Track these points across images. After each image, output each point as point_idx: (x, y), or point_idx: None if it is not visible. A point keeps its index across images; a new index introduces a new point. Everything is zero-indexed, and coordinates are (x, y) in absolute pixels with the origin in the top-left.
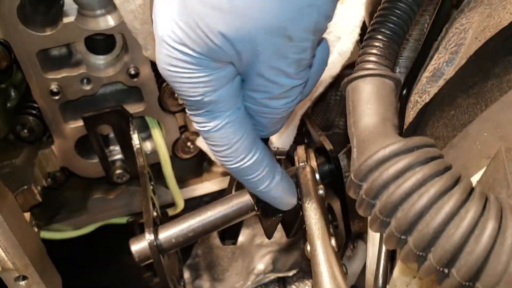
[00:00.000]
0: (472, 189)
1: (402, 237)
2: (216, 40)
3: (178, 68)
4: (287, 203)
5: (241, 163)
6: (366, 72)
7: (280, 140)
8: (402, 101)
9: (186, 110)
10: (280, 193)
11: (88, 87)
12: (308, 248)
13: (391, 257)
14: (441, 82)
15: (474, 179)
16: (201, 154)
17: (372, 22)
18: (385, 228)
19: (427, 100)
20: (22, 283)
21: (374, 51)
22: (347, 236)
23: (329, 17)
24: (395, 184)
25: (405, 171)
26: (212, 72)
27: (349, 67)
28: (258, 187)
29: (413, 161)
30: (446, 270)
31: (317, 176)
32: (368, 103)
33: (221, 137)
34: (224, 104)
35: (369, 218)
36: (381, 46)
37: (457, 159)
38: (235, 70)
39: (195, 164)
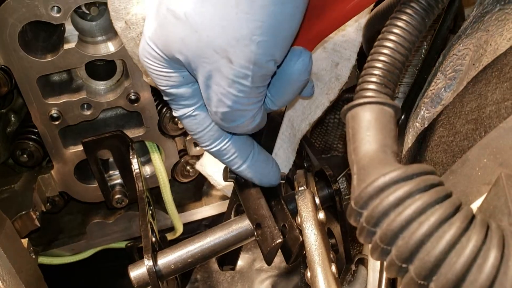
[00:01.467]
0: (473, 217)
1: (403, 265)
2: (173, 44)
3: (149, 60)
4: (265, 183)
5: (208, 148)
6: (365, 100)
7: (279, 164)
8: (400, 126)
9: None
10: (252, 175)
11: (88, 112)
12: (309, 274)
13: (392, 284)
14: (439, 108)
15: (475, 205)
16: (201, 178)
17: (371, 51)
18: (386, 256)
19: (425, 126)
20: None
21: (374, 79)
22: (347, 260)
23: (273, 58)
24: (395, 212)
25: (405, 198)
26: (174, 70)
27: (348, 90)
28: (231, 167)
29: (413, 189)
30: None
31: (317, 200)
32: (368, 130)
33: (185, 124)
34: (185, 100)
35: (369, 246)
36: (381, 74)
37: (457, 185)
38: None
39: (194, 188)
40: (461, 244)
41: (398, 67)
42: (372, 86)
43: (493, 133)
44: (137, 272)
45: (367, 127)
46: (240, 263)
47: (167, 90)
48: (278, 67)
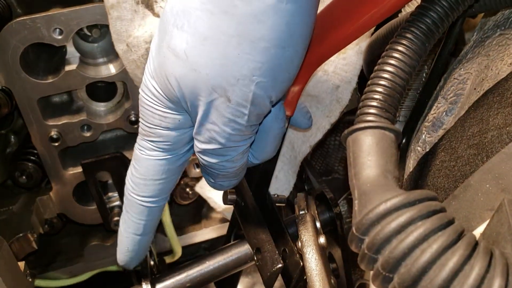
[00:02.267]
0: (476, 244)
1: None
2: (172, 81)
3: (148, 97)
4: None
5: (140, 199)
6: (366, 124)
7: (279, 187)
8: (401, 150)
9: (139, 132)
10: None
11: (88, 134)
12: None
13: None
14: (440, 132)
15: (477, 232)
16: (200, 200)
17: (372, 75)
18: (388, 283)
19: (427, 150)
20: None
21: (374, 103)
22: (349, 286)
23: (270, 98)
24: (397, 238)
25: (407, 225)
26: (170, 111)
27: (349, 113)
28: (131, 230)
29: (415, 215)
30: None
31: (318, 224)
32: (369, 155)
33: (144, 166)
34: (170, 145)
35: (371, 273)
36: (381, 98)
37: (460, 210)
38: (189, 120)
39: (194, 211)
40: (464, 272)
41: (398, 91)
42: (372, 111)
43: (495, 159)
44: None
45: (368, 152)
46: (240, 287)
47: (157, 130)
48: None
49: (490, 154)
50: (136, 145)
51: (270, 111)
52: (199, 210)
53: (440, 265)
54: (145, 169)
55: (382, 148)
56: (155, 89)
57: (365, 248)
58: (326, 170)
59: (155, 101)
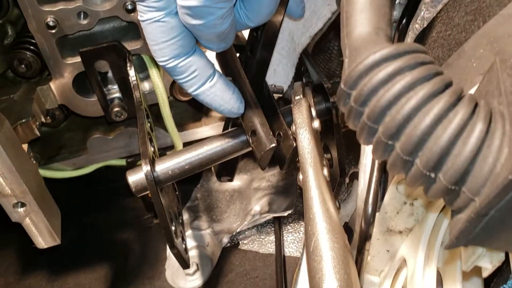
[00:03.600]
0: (462, 94)
1: (389, 142)
2: None
3: None
4: (224, 111)
5: (165, 63)
6: None
7: (278, 80)
8: (401, 31)
9: None
10: (209, 100)
11: (85, 22)
12: (301, 177)
13: (383, 184)
14: (439, 7)
15: None
16: None
17: None
18: (372, 136)
19: (424, 26)
20: (21, 209)
21: None
22: (342, 173)
23: None
24: (384, 88)
25: (395, 75)
26: None
27: None
28: (187, 89)
29: (402, 65)
30: (432, 175)
31: (313, 112)
32: (362, 12)
33: (150, 31)
34: (156, 2)
35: (357, 129)
36: None
37: (452, 77)
38: None
39: (194, 109)
40: (447, 119)
41: None
42: None
43: (492, 22)
44: (135, 177)
45: (361, 10)
46: (239, 183)
47: None
48: None
49: (487, 18)
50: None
51: None
52: (199, 108)
53: (424, 112)
54: (151, 34)
55: (375, 6)
56: None
57: (352, 101)
58: (328, 74)
59: None
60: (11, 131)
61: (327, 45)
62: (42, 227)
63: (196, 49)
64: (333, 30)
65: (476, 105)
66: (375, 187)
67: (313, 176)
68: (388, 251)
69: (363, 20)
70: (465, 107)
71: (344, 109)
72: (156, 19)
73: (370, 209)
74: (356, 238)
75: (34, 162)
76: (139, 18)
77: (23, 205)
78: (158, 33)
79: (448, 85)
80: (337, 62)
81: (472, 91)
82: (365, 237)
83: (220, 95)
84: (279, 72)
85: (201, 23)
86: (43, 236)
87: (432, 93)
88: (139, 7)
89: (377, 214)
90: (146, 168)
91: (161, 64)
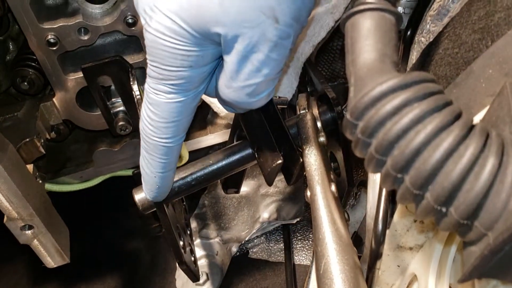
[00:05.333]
0: (472, 126)
1: (399, 175)
2: (209, 14)
3: (168, 38)
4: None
5: (163, 141)
6: (365, 7)
7: (282, 89)
8: (406, 43)
9: (148, 76)
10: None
11: (85, 37)
12: (308, 193)
13: (392, 201)
14: (446, 20)
15: (477, 117)
16: (205, 106)
17: None
18: (381, 167)
19: (431, 40)
20: (28, 232)
21: None
22: (349, 183)
23: (310, 10)
24: (392, 121)
25: (402, 107)
26: (197, 48)
27: None
28: (157, 170)
29: (410, 97)
30: (444, 209)
31: (319, 124)
32: (367, 39)
33: (165, 110)
34: (191, 84)
35: (365, 158)
36: None
37: (460, 98)
38: (218, 52)
39: (199, 116)
40: (458, 152)
41: None
42: None
43: (501, 42)
44: (141, 195)
45: (366, 36)
46: (246, 189)
47: (179, 72)
48: None
49: (495, 37)
50: (149, 89)
51: None
52: (204, 116)
53: (434, 146)
54: (167, 112)
55: (381, 32)
56: (182, 27)
57: (359, 132)
58: (332, 75)
59: (179, 40)
60: (16, 155)
61: (330, 45)
62: (50, 247)
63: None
64: (336, 30)
65: (487, 137)
66: (384, 205)
67: (321, 194)
68: (398, 266)
69: (368, 47)
70: (476, 140)
71: (351, 137)
72: (180, 100)
73: (380, 227)
74: (366, 254)
75: (40, 181)
76: (154, 94)
77: (30, 227)
78: (174, 113)
79: (457, 116)
80: (341, 63)
81: (481, 113)
82: (376, 256)
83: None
84: (283, 82)
85: (257, 99)
86: (51, 256)
87: (442, 126)
88: (158, 86)
89: (387, 231)
90: None
91: (150, 142)
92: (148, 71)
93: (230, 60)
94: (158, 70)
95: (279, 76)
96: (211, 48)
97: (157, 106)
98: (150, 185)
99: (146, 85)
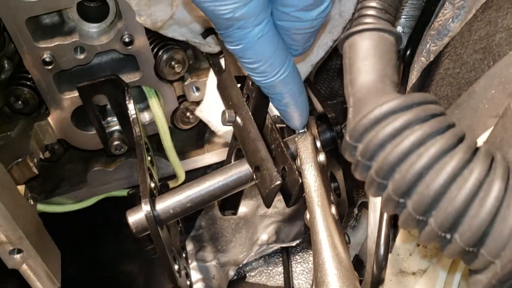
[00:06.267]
0: (476, 148)
1: (401, 200)
2: None
3: None
4: (305, 121)
5: (277, 76)
6: (364, 27)
7: None
8: (406, 63)
9: (217, 31)
10: (303, 109)
11: (81, 56)
12: (308, 216)
13: (394, 224)
14: (446, 40)
15: (481, 139)
16: (202, 125)
17: None
18: (382, 191)
19: (431, 59)
20: (17, 256)
21: (373, 4)
22: (350, 204)
23: None
24: (392, 143)
25: (403, 129)
26: None
27: None
28: (288, 101)
29: (412, 119)
30: (448, 236)
31: (318, 143)
32: (366, 59)
33: (255, 52)
34: (254, 18)
35: (365, 181)
36: None
37: (463, 119)
38: None
39: (196, 136)
40: (462, 177)
41: None
42: (371, 12)
43: (503, 62)
44: (135, 217)
45: (365, 56)
46: (244, 209)
47: (235, 15)
48: None
49: (497, 57)
50: (226, 45)
51: None
52: (201, 135)
53: (437, 170)
54: (258, 54)
55: (380, 52)
56: None
57: (358, 155)
58: (331, 94)
59: None
60: (6, 176)
61: (329, 64)
62: (40, 272)
63: (291, 57)
64: (334, 49)
65: (492, 160)
66: (386, 229)
67: (321, 217)
68: None
69: (367, 68)
70: (481, 163)
71: (351, 160)
72: (261, 34)
73: (382, 251)
74: (368, 278)
75: (32, 202)
76: (235, 48)
77: (19, 251)
78: (266, 46)
79: (461, 138)
80: (339, 82)
81: (485, 135)
82: (378, 281)
83: (306, 108)
84: None
85: (322, 10)
86: (41, 281)
87: (445, 149)
88: (232, 36)
89: (389, 255)
90: (146, 208)
91: (268, 83)
92: (216, 29)
93: None
94: (220, 22)
95: None
96: None
97: (244, 55)
98: (292, 118)
99: (227, 47)
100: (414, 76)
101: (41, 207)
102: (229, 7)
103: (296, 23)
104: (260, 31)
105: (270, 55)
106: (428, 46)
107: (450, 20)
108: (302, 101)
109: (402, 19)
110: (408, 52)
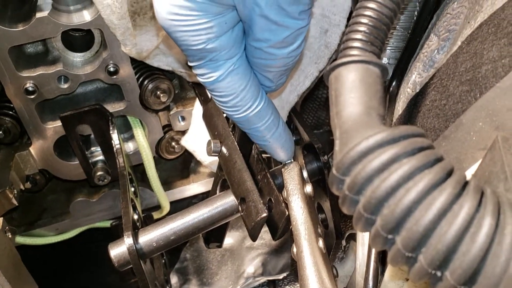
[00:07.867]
0: (466, 183)
1: (389, 236)
2: None
3: (180, 16)
4: (291, 153)
5: (250, 111)
6: (349, 59)
7: None
8: (391, 94)
9: (189, 63)
10: (284, 141)
11: (65, 86)
12: (295, 250)
13: (382, 258)
14: (431, 72)
15: (469, 172)
16: (188, 155)
17: (356, 6)
18: (370, 227)
19: (417, 91)
20: None
21: (359, 36)
22: (338, 236)
23: None
24: (380, 177)
25: (391, 163)
26: (214, 17)
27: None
28: (265, 135)
29: (399, 152)
30: (439, 273)
31: (305, 174)
32: (352, 91)
33: (227, 86)
34: (227, 51)
35: (353, 216)
36: (366, 31)
37: (451, 151)
38: (236, 15)
39: (181, 165)
40: (452, 212)
41: (385, 23)
42: (356, 44)
43: (489, 94)
44: (117, 250)
45: (351, 89)
46: (230, 241)
47: (207, 47)
48: None
49: (484, 89)
50: (200, 78)
51: None
52: (187, 165)
53: (426, 205)
54: (228, 88)
55: (366, 84)
56: (193, 1)
57: (345, 189)
58: (318, 123)
59: (193, 16)
60: None
61: (315, 94)
62: None
63: (264, 91)
64: (320, 79)
65: (482, 195)
66: (374, 264)
67: (308, 252)
68: None
69: (353, 100)
70: (471, 198)
71: (338, 193)
72: (231, 68)
73: (370, 286)
74: None
75: (10, 235)
76: (206, 81)
77: None
78: (236, 82)
79: (449, 172)
80: (326, 111)
81: (473, 168)
82: None
83: (288, 140)
84: None
85: (294, 48)
86: None
87: (434, 183)
88: (204, 69)
89: None
90: (128, 241)
91: (242, 115)
92: (188, 62)
93: (254, 18)
94: (192, 53)
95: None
96: (229, 12)
97: (216, 88)
98: (275, 151)
99: (197, 78)
100: (400, 107)
101: (21, 239)
102: (201, 38)
103: (269, 60)
104: (232, 64)
105: (241, 89)
106: (414, 77)
107: (436, 51)
108: (281, 134)
109: (388, 50)
110: (394, 83)
